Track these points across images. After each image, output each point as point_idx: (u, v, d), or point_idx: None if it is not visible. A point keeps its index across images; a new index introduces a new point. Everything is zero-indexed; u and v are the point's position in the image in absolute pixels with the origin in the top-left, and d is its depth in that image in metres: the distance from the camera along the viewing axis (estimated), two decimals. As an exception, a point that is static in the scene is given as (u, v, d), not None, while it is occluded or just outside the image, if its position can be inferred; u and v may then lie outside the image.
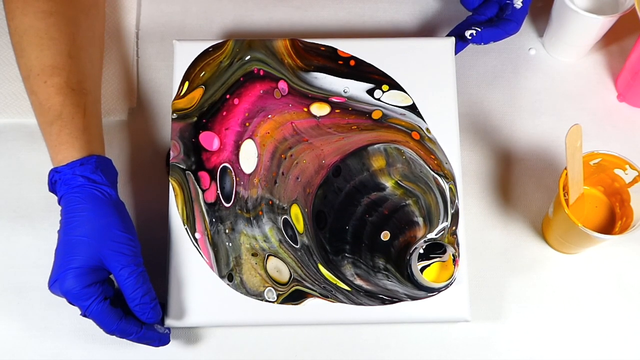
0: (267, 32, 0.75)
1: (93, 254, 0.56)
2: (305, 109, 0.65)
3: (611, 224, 0.62)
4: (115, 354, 0.63)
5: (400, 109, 0.65)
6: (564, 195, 0.59)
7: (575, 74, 0.72)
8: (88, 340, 0.63)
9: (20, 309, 0.65)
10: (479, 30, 0.65)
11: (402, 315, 0.60)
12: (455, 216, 0.62)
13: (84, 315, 0.56)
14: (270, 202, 0.63)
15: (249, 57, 0.66)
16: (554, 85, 0.72)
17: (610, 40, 0.73)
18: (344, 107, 0.65)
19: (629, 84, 0.69)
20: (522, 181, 0.68)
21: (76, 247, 0.56)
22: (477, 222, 0.67)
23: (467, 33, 0.65)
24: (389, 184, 0.63)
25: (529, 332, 0.63)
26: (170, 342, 0.61)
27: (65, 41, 0.62)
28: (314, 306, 0.60)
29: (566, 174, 0.58)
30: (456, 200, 0.62)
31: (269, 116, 0.65)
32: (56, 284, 0.56)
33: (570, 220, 0.57)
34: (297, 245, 0.62)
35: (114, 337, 0.58)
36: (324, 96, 0.65)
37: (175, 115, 0.65)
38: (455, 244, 0.61)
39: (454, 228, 0.61)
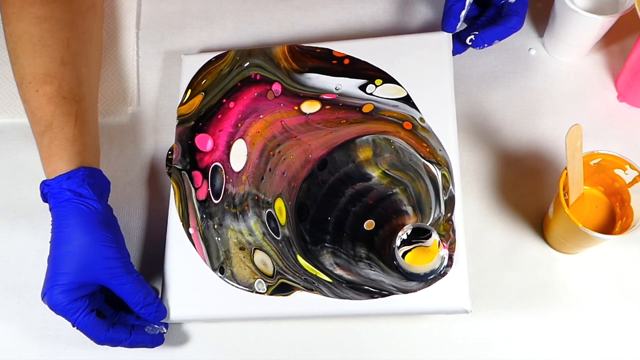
0: (266, 31, 0.75)
1: (81, 270, 0.56)
2: (296, 107, 0.66)
3: (611, 224, 0.62)
4: (115, 354, 0.63)
5: (392, 101, 0.64)
6: (564, 195, 0.59)
7: (575, 74, 0.72)
8: (87, 340, 0.63)
9: (20, 309, 0.65)
10: (477, 33, 0.65)
11: (396, 306, 0.58)
12: (450, 202, 0.60)
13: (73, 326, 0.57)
14: (256, 197, 0.63)
15: (247, 63, 0.69)
16: (554, 85, 0.72)
17: (610, 40, 0.73)
18: (334, 103, 0.65)
19: (629, 84, 0.69)
20: (522, 181, 0.68)
21: (64, 262, 0.57)
22: (477, 222, 0.67)
23: (467, 39, 0.65)
24: (375, 173, 0.62)
25: (529, 332, 0.63)
26: (166, 342, 0.61)
27: (58, 48, 0.62)
28: (304, 298, 0.60)
29: (566, 174, 0.58)
30: (450, 187, 0.61)
31: (261, 116, 0.66)
32: (45, 297, 0.57)
33: (570, 220, 0.57)
34: (278, 237, 0.62)
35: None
36: (315, 94, 0.66)
37: (178, 121, 0.68)
38: (450, 230, 0.59)
39: (449, 215, 0.60)
